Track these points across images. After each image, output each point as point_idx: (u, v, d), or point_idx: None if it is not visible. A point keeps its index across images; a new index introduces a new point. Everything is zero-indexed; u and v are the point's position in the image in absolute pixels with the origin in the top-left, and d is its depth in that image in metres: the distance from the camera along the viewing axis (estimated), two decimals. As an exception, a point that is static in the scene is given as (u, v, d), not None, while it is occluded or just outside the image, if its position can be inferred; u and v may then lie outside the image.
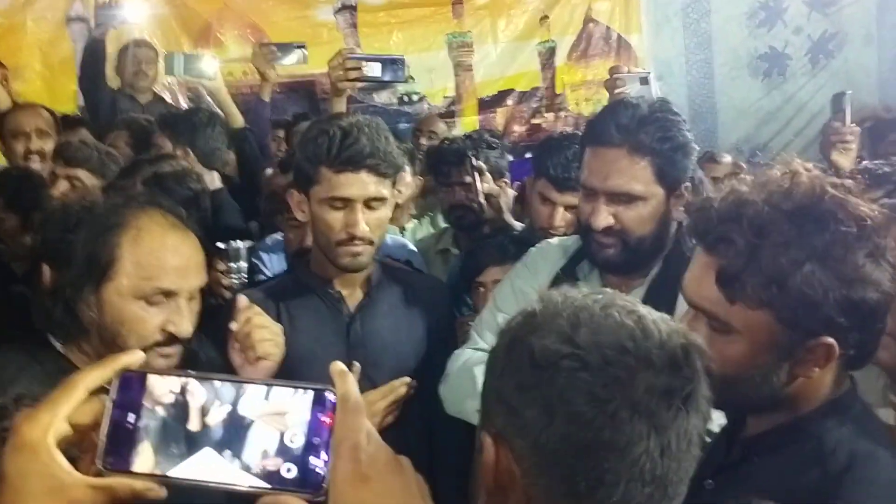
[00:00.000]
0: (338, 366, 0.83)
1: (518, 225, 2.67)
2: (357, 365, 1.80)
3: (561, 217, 2.35)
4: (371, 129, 1.86)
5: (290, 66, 3.68)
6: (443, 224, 3.15)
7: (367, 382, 1.83)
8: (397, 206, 3.32)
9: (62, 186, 2.71)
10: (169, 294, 1.45)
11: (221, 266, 2.28)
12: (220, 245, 2.31)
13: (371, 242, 1.88)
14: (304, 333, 1.92)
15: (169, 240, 1.47)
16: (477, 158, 2.75)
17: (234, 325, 1.59)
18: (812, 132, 5.83)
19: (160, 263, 1.44)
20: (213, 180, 3.09)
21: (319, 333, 1.94)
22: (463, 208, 2.79)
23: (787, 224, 1.15)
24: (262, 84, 3.78)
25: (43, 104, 3.92)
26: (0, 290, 2.50)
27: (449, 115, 5.73)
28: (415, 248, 2.87)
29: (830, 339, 1.15)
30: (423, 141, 4.15)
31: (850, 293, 1.13)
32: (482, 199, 2.66)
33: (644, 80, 2.70)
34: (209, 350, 1.71)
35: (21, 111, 3.72)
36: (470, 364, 1.87)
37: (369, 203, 1.87)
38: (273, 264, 2.81)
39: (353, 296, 1.97)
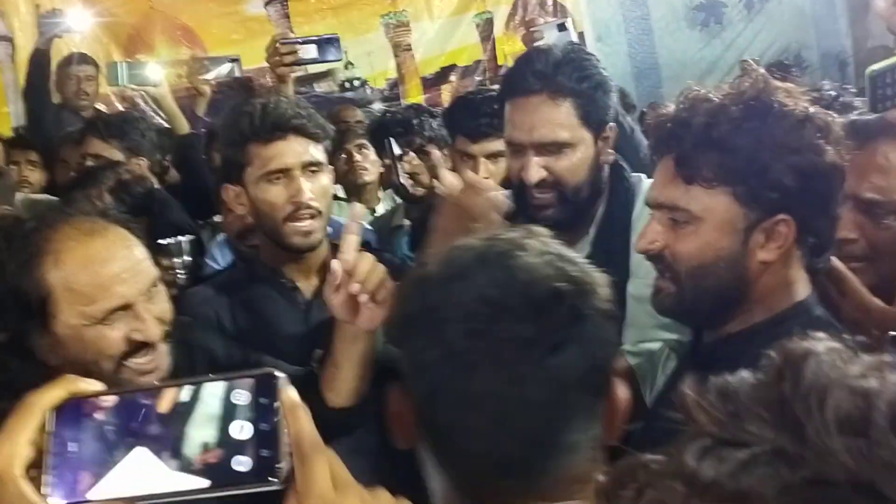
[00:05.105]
0: (289, 399, 0.76)
1: None
2: (318, 352, 1.74)
3: (484, 169, 2.32)
4: (290, 100, 1.86)
5: (220, 78, 3.63)
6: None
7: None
8: (366, 187, 3.33)
9: None
10: (122, 307, 1.34)
11: (165, 262, 2.22)
12: (162, 241, 2.25)
13: (319, 213, 1.82)
14: (262, 326, 1.87)
15: (91, 251, 1.33)
16: (422, 128, 2.72)
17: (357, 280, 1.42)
18: (754, 77, 5.87)
19: (94, 281, 1.32)
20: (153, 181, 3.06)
21: (278, 324, 1.89)
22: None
23: (737, 108, 1.21)
24: (197, 99, 3.72)
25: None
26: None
27: (394, 97, 5.68)
28: (370, 228, 2.83)
29: (786, 216, 1.21)
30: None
31: (798, 159, 1.18)
32: (405, 180, 2.62)
33: (562, 27, 2.67)
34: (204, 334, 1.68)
35: None
36: None
37: (307, 169, 1.81)
38: (227, 259, 2.76)
39: (308, 283, 1.91)
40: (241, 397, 0.76)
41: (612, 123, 1.80)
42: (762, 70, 1.28)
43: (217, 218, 3.13)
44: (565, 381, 0.82)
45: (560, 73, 1.71)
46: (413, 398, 0.88)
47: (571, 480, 0.84)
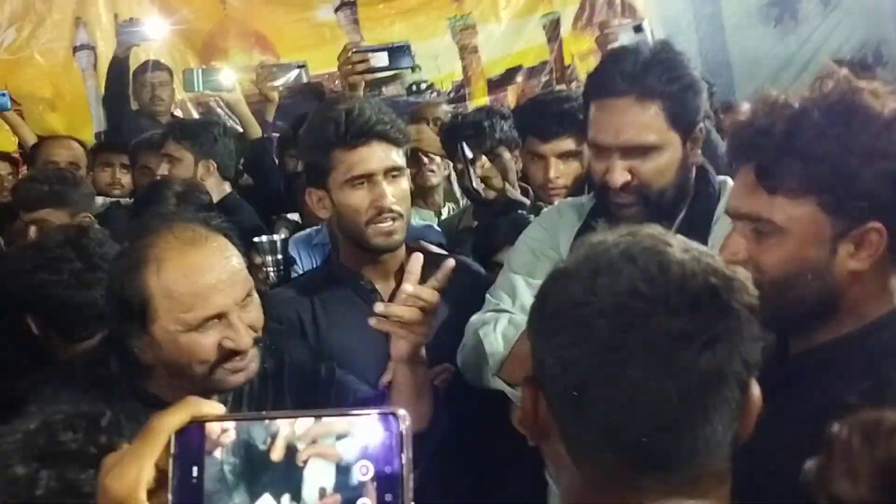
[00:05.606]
0: None
1: (524, 199, 2.63)
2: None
3: (555, 169, 2.32)
4: (372, 104, 1.89)
5: (289, 84, 3.70)
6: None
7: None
8: (433, 189, 3.36)
9: (32, 233, 2.69)
10: (217, 316, 1.40)
11: (257, 260, 2.28)
12: (256, 239, 2.31)
13: (400, 216, 1.87)
14: (342, 327, 1.91)
15: (190, 260, 1.39)
16: (493, 130, 2.71)
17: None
18: (831, 73, 5.69)
19: (192, 291, 1.38)
20: (224, 187, 3.15)
21: (356, 326, 1.88)
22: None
23: (820, 114, 1.15)
24: (266, 105, 3.79)
25: (71, 136, 4.00)
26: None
27: (459, 99, 5.71)
28: (439, 230, 2.86)
29: (877, 224, 1.15)
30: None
31: (888, 164, 1.13)
32: (477, 185, 2.61)
33: (638, 28, 2.56)
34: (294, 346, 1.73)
35: (54, 142, 3.83)
36: (474, 328, 1.80)
37: (389, 174, 1.85)
38: (303, 260, 2.81)
39: (385, 285, 1.95)
40: (366, 435, 0.72)
41: (701, 125, 1.73)
42: (845, 71, 1.21)
43: (290, 216, 3.21)
44: (717, 376, 0.82)
45: (649, 74, 1.64)
46: (553, 394, 0.88)
47: (709, 477, 0.85)
